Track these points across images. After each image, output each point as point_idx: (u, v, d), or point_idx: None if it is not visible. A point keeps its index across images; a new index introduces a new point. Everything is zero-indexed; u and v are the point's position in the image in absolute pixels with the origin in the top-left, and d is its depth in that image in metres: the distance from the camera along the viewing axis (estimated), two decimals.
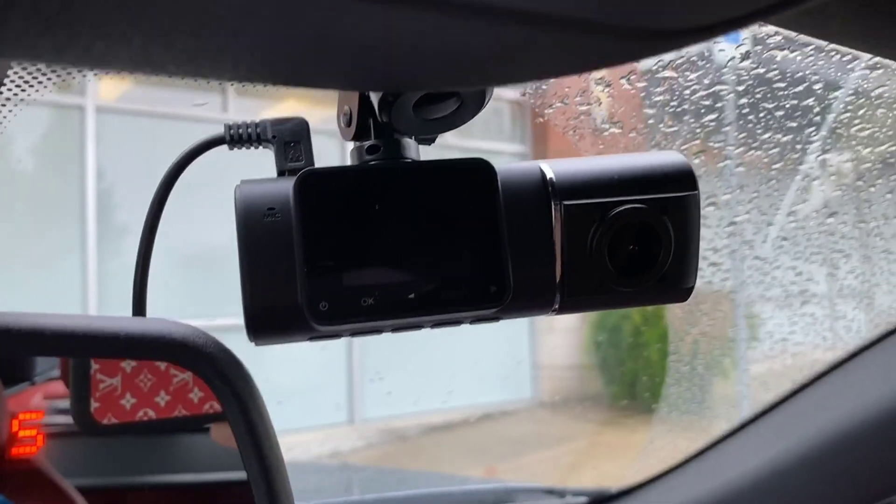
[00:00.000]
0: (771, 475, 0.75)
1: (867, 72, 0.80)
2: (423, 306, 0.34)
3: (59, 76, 0.38)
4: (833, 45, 0.60)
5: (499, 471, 3.12)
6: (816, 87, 0.83)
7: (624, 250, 0.37)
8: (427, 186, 0.35)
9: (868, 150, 0.96)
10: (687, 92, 0.81)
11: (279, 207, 0.34)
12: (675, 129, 0.86)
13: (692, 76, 0.79)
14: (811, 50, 0.74)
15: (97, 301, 3.49)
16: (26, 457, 0.50)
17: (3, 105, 0.39)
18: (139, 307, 0.41)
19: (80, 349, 0.37)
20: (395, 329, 0.35)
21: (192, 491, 0.56)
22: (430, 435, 3.74)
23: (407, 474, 1.96)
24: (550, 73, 0.26)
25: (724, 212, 1.05)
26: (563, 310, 0.38)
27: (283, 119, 0.40)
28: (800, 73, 0.82)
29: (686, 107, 0.83)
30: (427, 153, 0.39)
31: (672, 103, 0.82)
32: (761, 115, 0.87)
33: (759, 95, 0.84)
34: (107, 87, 3.58)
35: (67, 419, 0.48)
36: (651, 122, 0.85)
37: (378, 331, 0.35)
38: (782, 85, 0.83)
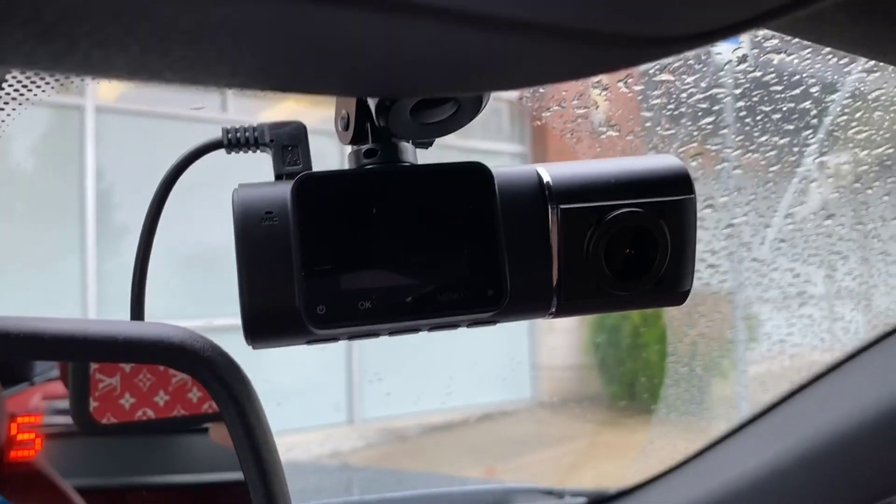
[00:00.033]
0: (770, 476, 0.75)
1: (864, 75, 0.81)
2: (421, 310, 0.34)
3: (57, 80, 0.38)
4: (830, 49, 0.60)
5: (499, 471, 3.12)
6: (813, 89, 0.84)
7: (620, 254, 0.38)
8: (424, 190, 0.35)
9: (865, 152, 0.96)
10: (684, 95, 0.82)
11: (277, 211, 0.34)
12: (673, 131, 0.86)
13: (689, 79, 0.80)
14: (808, 53, 0.74)
15: (96, 301, 3.49)
16: (25, 460, 0.50)
17: (2, 109, 0.39)
18: (137, 311, 0.41)
19: (78, 353, 0.38)
20: (393, 332, 0.35)
21: (191, 491, 0.56)
22: (429, 435, 3.75)
23: (406, 475, 1.96)
24: (546, 80, 0.27)
25: (722, 214, 1.05)
26: (559, 313, 0.38)
27: (281, 123, 0.40)
28: (797, 76, 0.82)
29: (683, 110, 0.84)
30: (425, 153, 0.39)
31: (669, 106, 0.82)
32: (758, 117, 0.88)
33: (756, 98, 0.85)
34: (106, 88, 3.58)
35: (67, 419, 0.48)
36: (648, 124, 0.85)
37: (375, 334, 0.35)
38: (779, 88, 0.83)
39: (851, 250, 1.14)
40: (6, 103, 0.38)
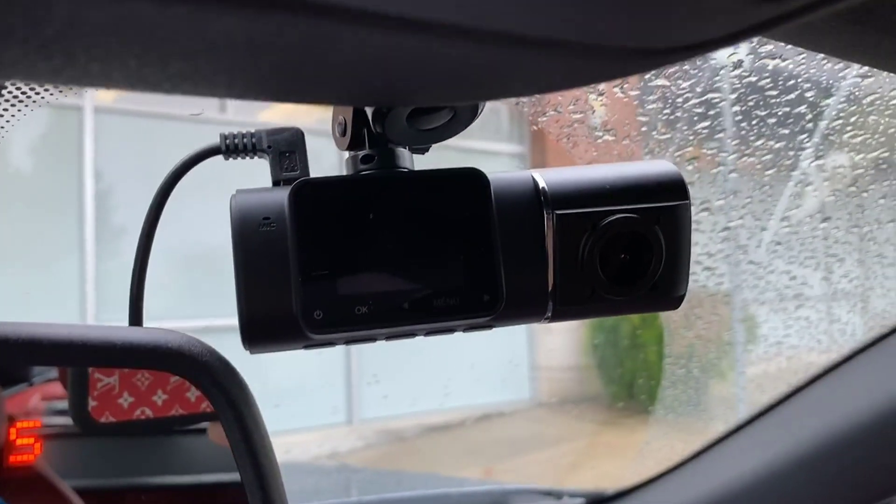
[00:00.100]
0: (767, 477, 0.75)
1: (859, 79, 0.81)
2: (417, 315, 0.35)
3: (59, 90, 0.38)
4: (824, 55, 0.60)
5: (497, 471, 3.12)
6: (809, 94, 0.84)
7: (615, 259, 0.38)
8: (421, 196, 0.35)
9: (861, 156, 0.96)
10: (680, 100, 0.82)
11: (274, 217, 0.34)
12: (669, 136, 0.86)
13: (685, 84, 0.80)
14: (803, 58, 0.74)
15: (95, 301, 3.49)
16: (25, 464, 0.50)
17: (2, 115, 0.39)
18: (136, 316, 0.41)
19: (76, 359, 0.38)
20: (389, 337, 0.36)
21: (190, 492, 0.56)
22: (428, 436, 3.75)
23: (405, 475, 1.97)
24: (541, 90, 0.27)
25: (719, 217, 1.06)
26: (555, 318, 0.38)
27: (279, 129, 0.40)
28: (792, 81, 0.83)
29: (679, 114, 0.84)
30: (423, 155, 0.40)
31: (665, 111, 0.82)
32: (754, 122, 0.88)
33: (751, 103, 0.85)
34: None
35: (65, 420, 0.48)
36: (644, 129, 0.86)
37: (372, 339, 0.36)
38: (775, 92, 0.83)
39: (847, 253, 1.14)
40: (5, 109, 0.38)
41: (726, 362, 1.67)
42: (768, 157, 0.95)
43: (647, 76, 0.80)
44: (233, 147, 0.40)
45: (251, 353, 0.35)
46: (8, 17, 0.15)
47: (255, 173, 0.42)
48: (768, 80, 0.82)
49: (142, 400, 0.45)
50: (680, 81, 0.79)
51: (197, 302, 3.30)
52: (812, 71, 0.80)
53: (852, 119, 0.89)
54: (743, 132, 0.91)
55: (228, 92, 0.22)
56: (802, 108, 0.86)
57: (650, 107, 0.82)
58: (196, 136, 0.41)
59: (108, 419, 0.45)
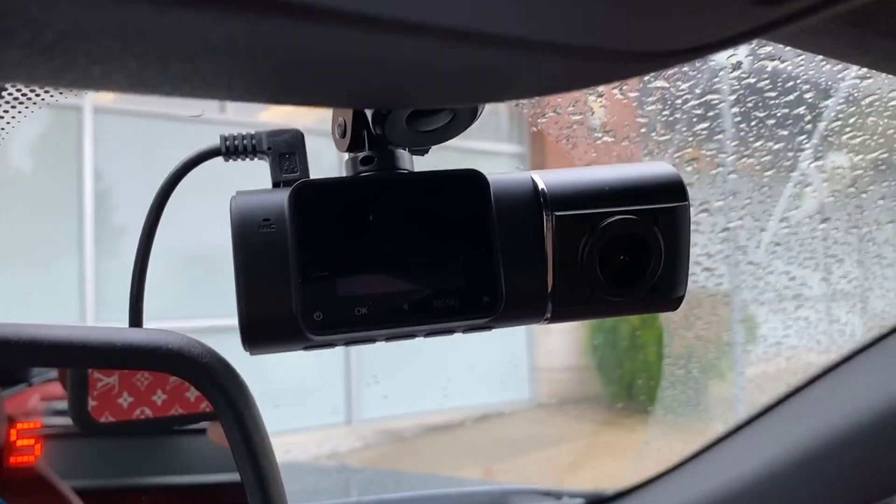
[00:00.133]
0: (767, 477, 0.76)
1: (857, 81, 0.81)
2: (417, 316, 0.35)
3: (59, 92, 0.39)
4: (823, 56, 0.60)
5: (497, 471, 3.13)
6: (808, 95, 0.84)
7: (615, 260, 0.38)
8: (420, 197, 0.35)
9: (859, 157, 0.96)
10: (679, 101, 0.82)
11: (274, 218, 0.34)
12: (668, 137, 0.86)
13: (684, 86, 0.80)
14: (801, 60, 0.75)
15: (95, 302, 3.49)
16: (25, 465, 0.50)
17: (2, 117, 0.39)
18: (136, 317, 0.41)
19: (76, 360, 0.38)
20: (389, 338, 0.36)
21: (189, 493, 0.56)
22: (428, 436, 3.75)
23: (404, 476, 1.97)
24: (540, 92, 0.27)
25: (718, 218, 1.06)
26: (554, 319, 0.38)
27: (279, 131, 0.40)
28: (791, 82, 0.83)
29: (678, 115, 0.84)
30: (424, 155, 0.40)
31: (664, 112, 0.83)
32: (753, 123, 0.88)
33: (750, 104, 0.85)
34: None
35: (65, 420, 0.48)
36: (644, 130, 0.86)
37: (372, 340, 0.36)
38: (773, 94, 0.84)
39: (847, 254, 1.14)
40: (6, 111, 0.38)
41: (725, 363, 1.67)
42: (767, 158, 0.95)
43: (646, 78, 0.80)
44: (233, 149, 0.40)
45: (251, 354, 0.35)
46: (9, 20, 0.15)
47: (255, 175, 0.42)
48: (767, 82, 0.82)
49: (141, 400, 0.45)
50: (679, 83, 0.79)
51: (197, 302, 3.30)
52: (811, 72, 0.80)
53: (851, 120, 0.89)
54: (742, 133, 0.91)
55: (228, 94, 0.22)
56: (801, 110, 0.86)
57: (649, 108, 0.82)
58: (196, 135, 0.41)
59: (108, 419, 0.45)
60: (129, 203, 3.53)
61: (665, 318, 1.31)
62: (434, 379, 3.18)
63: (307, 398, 3.60)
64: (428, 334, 0.36)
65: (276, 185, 0.39)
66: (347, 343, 0.35)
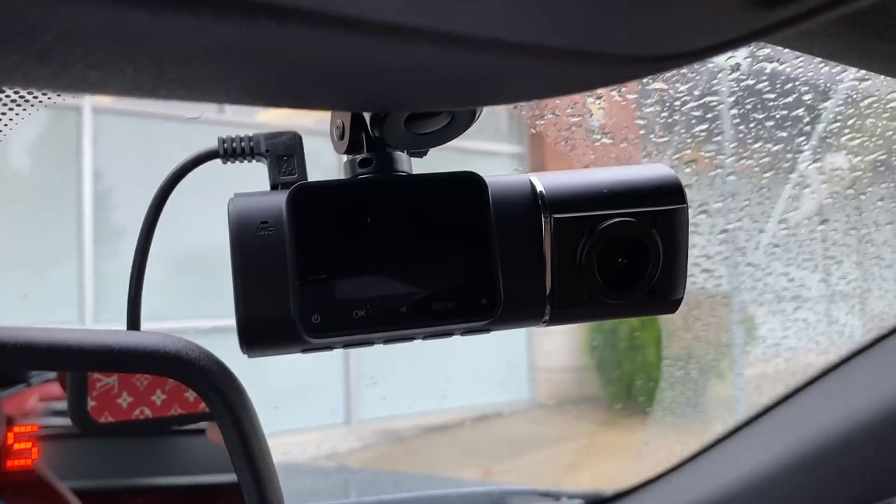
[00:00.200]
0: (766, 478, 0.76)
1: (856, 83, 0.81)
2: (415, 319, 0.35)
3: (58, 95, 0.39)
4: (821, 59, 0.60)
5: (496, 472, 3.13)
6: (806, 97, 0.84)
7: (613, 263, 0.38)
8: (419, 199, 0.35)
9: (858, 158, 0.97)
10: (677, 103, 0.82)
11: (272, 221, 0.34)
12: (667, 139, 0.87)
13: (682, 88, 0.80)
14: (800, 62, 0.75)
15: (94, 302, 3.49)
16: (23, 468, 0.50)
17: (1, 119, 0.39)
18: (133, 320, 0.41)
19: (74, 363, 0.38)
20: (387, 341, 0.36)
21: (188, 493, 0.56)
22: (427, 436, 3.75)
23: (403, 476, 1.97)
24: (539, 96, 0.27)
25: (717, 219, 1.06)
26: (553, 321, 0.38)
27: (277, 133, 0.40)
28: (789, 84, 0.83)
29: (677, 117, 0.84)
30: (422, 157, 0.40)
31: (663, 114, 0.83)
32: (752, 125, 0.88)
33: (749, 106, 0.85)
34: None
35: (64, 421, 0.48)
36: (642, 132, 0.86)
37: (370, 343, 0.36)
38: (772, 96, 0.84)
39: (845, 255, 1.14)
40: (3, 113, 0.38)
41: (725, 364, 1.67)
42: (766, 159, 0.95)
43: (645, 79, 0.80)
44: (231, 151, 0.40)
45: (249, 357, 0.35)
46: (5, 24, 0.15)
47: (253, 177, 0.42)
48: (766, 83, 0.83)
49: (141, 400, 0.45)
50: (678, 85, 0.80)
51: (195, 303, 3.30)
52: (809, 74, 0.81)
53: (850, 122, 0.89)
54: (741, 135, 0.91)
55: (226, 97, 0.22)
56: (800, 111, 0.87)
57: (648, 110, 0.83)
58: (195, 136, 0.41)
59: (107, 419, 0.45)
60: (128, 203, 3.53)
61: (664, 319, 1.31)
62: (433, 379, 3.18)
63: (306, 399, 3.60)
64: (426, 337, 0.36)
65: (273, 187, 0.39)
66: (345, 346, 0.35)
